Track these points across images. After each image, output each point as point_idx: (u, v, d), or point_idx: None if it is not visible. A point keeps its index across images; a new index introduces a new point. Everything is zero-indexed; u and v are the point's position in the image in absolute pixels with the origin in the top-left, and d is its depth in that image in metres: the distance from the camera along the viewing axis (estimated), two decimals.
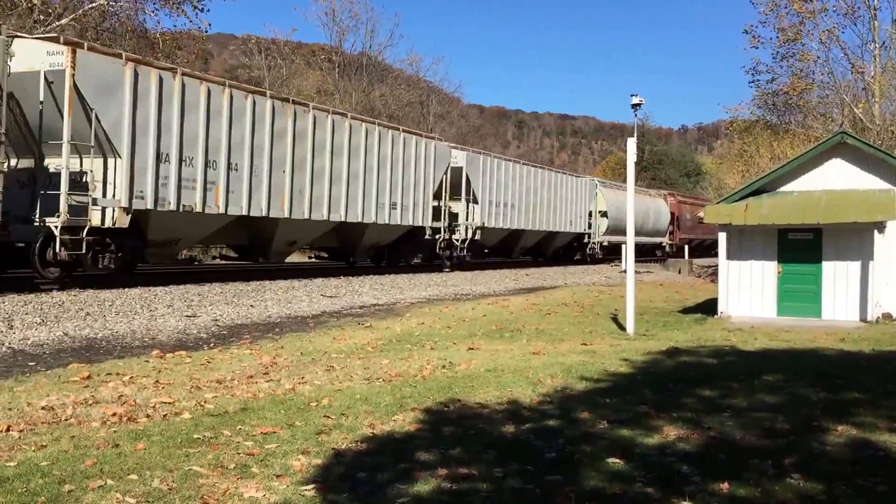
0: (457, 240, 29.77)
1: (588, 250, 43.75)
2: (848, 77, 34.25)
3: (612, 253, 45.16)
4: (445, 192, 28.46)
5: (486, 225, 31.14)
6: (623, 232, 40.88)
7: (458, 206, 29.96)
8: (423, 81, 61.60)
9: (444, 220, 28.59)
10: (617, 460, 5.31)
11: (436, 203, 28.04)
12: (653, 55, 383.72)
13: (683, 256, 52.43)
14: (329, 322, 14.13)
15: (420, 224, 26.64)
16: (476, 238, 31.07)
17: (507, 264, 35.88)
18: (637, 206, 41.38)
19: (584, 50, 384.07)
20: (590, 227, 43.47)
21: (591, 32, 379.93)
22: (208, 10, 38.78)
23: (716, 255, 46.10)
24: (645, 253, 51.02)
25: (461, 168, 29.96)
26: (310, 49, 59.22)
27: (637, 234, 41.32)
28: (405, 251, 27.99)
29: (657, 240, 53.18)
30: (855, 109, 33.14)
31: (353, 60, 55.31)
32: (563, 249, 42.66)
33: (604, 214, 43.68)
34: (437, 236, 28.45)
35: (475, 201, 30.82)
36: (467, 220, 30.52)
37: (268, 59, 52.88)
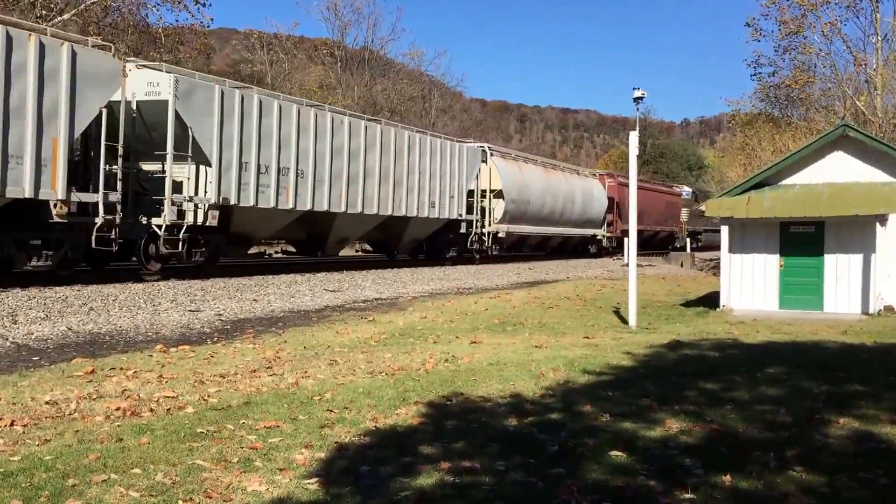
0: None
1: (469, 244, 31.80)
2: (850, 70, 34.23)
3: (514, 248, 36.89)
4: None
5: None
6: (533, 220, 35.60)
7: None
8: (426, 76, 61.56)
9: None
10: (619, 453, 5.32)
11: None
12: (655, 49, 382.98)
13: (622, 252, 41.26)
14: (332, 316, 14.15)
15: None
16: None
17: (513, 258, 35.75)
18: (557, 187, 37.98)
19: (586, 44, 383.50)
20: (471, 211, 31.50)
21: (594, 26, 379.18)
22: (210, 5, 38.72)
23: (675, 248, 43.21)
24: (570, 250, 43.45)
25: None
26: (312, 44, 59.18)
27: (554, 222, 37.89)
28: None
29: (587, 232, 43.91)
30: (857, 102, 33.09)
31: (356, 55, 55.25)
32: (428, 242, 30.66)
33: (499, 195, 32.53)
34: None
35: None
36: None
37: (270, 53, 52.83)
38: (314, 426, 5.91)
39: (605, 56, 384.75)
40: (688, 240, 55.68)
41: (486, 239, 32.45)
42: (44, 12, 26.04)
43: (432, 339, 11.35)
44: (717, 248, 49.19)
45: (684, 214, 59.33)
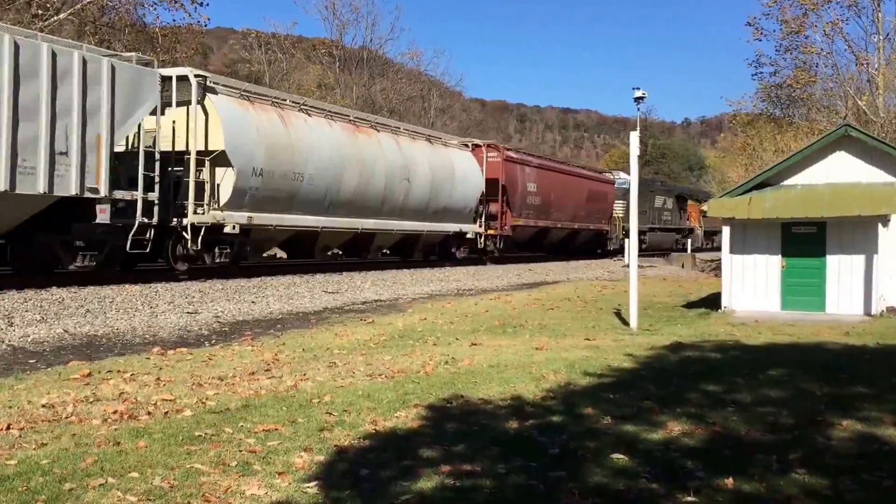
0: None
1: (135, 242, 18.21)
2: (852, 69, 34.17)
3: (293, 250, 24.86)
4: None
5: None
6: (283, 203, 20.58)
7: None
8: (425, 75, 61.47)
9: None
10: (621, 456, 5.29)
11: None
12: (655, 48, 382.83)
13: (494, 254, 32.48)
14: (331, 318, 14.10)
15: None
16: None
17: (513, 259, 35.64)
18: (373, 157, 23.84)
19: (586, 43, 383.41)
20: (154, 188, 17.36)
21: (594, 25, 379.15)
22: (207, 5, 38.67)
23: (608, 252, 40.97)
24: (427, 253, 29.93)
25: None
26: (310, 43, 59.11)
27: (369, 212, 23.94)
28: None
29: (449, 227, 29.25)
30: (859, 102, 33.03)
31: (354, 54, 55.17)
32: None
33: (219, 160, 18.91)
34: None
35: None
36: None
37: (268, 53, 52.78)
38: (313, 429, 5.87)
39: (606, 56, 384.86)
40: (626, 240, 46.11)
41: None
42: (39, 11, 25.98)
43: (432, 341, 11.31)
44: (668, 249, 45.54)
45: (619, 208, 46.42)
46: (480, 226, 31.40)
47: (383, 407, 6.64)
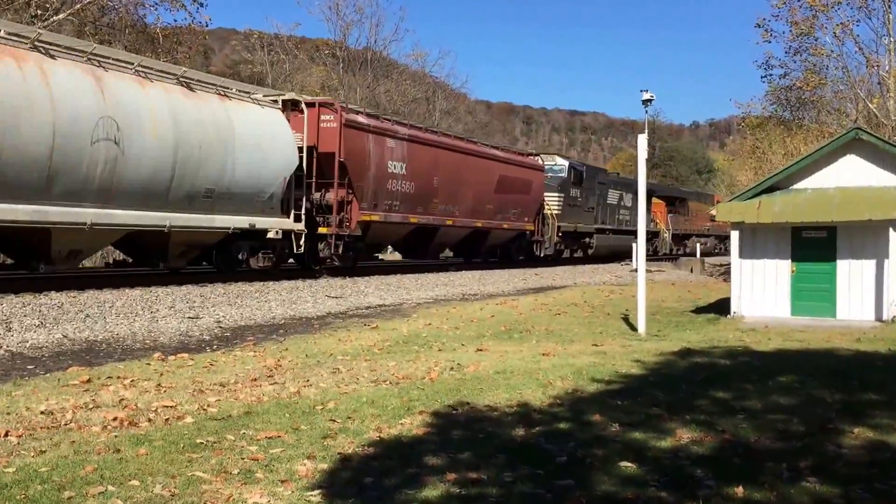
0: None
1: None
2: (862, 72, 33.92)
3: None
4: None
5: None
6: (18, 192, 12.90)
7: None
8: (429, 77, 61.35)
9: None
10: (629, 464, 5.20)
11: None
12: (663, 50, 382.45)
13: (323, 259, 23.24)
14: (334, 323, 14.02)
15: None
16: None
17: (518, 264, 35.41)
18: (71, 108, 14.20)
19: (593, 45, 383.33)
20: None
21: (601, 27, 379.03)
22: (206, 5, 38.58)
23: (534, 259, 35.65)
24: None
25: None
26: (313, 44, 59.04)
27: (65, 196, 14.20)
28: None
29: (226, 222, 19.03)
30: (869, 105, 32.83)
31: (358, 55, 55.06)
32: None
33: None
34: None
35: None
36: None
37: (270, 54, 52.74)
38: (317, 436, 5.80)
39: (614, 58, 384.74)
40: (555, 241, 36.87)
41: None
42: (39, 12, 25.98)
43: (437, 346, 11.22)
44: (626, 255, 43.06)
45: (554, 202, 36.17)
46: (298, 220, 21.49)
47: (388, 414, 6.57)
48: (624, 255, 43.82)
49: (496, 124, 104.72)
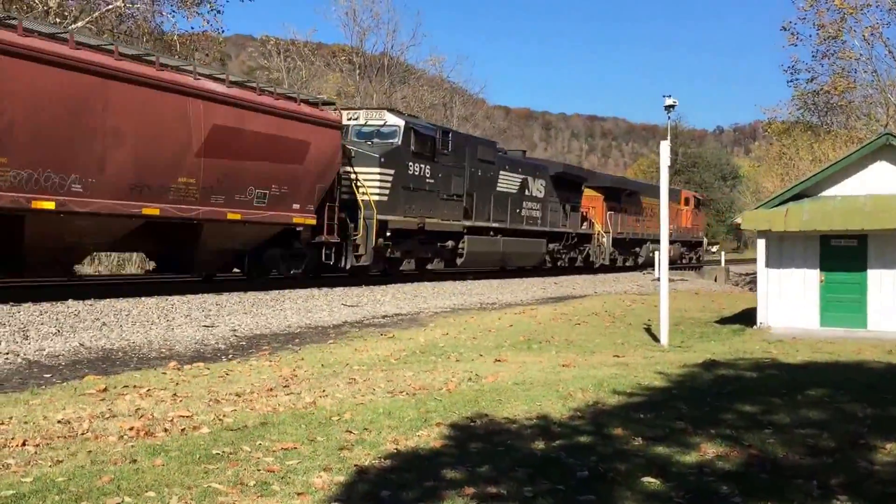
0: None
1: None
2: (892, 75, 33.42)
3: None
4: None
5: None
6: None
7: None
8: (447, 82, 61.19)
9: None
10: (653, 479, 5.07)
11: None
12: (686, 54, 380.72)
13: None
14: (350, 332, 13.94)
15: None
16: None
17: (537, 272, 35.08)
18: None
19: (614, 49, 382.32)
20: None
21: (622, 31, 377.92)
22: (222, 12, 38.74)
23: (312, 270, 24.16)
24: None
25: None
26: (330, 50, 59.04)
27: None
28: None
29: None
30: None
31: (375, 61, 54.97)
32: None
33: None
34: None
35: None
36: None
37: (287, 60, 52.85)
38: (333, 448, 5.72)
39: (635, 62, 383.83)
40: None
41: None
42: (57, 20, 26.24)
43: (455, 357, 11.11)
44: (537, 266, 33.82)
45: (375, 184, 22.45)
46: None
47: (405, 425, 6.47)
48: (533, 265, 33.28)
49: (515, 130, 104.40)
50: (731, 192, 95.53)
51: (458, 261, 27.21)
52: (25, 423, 6.34)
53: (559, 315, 18.27)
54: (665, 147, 14.19)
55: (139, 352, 10.95)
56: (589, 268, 38.22)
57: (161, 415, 6.71)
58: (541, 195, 32.53)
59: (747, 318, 17.42)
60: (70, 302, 13.78)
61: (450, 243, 26.37)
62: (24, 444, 5.65)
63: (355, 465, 5.28)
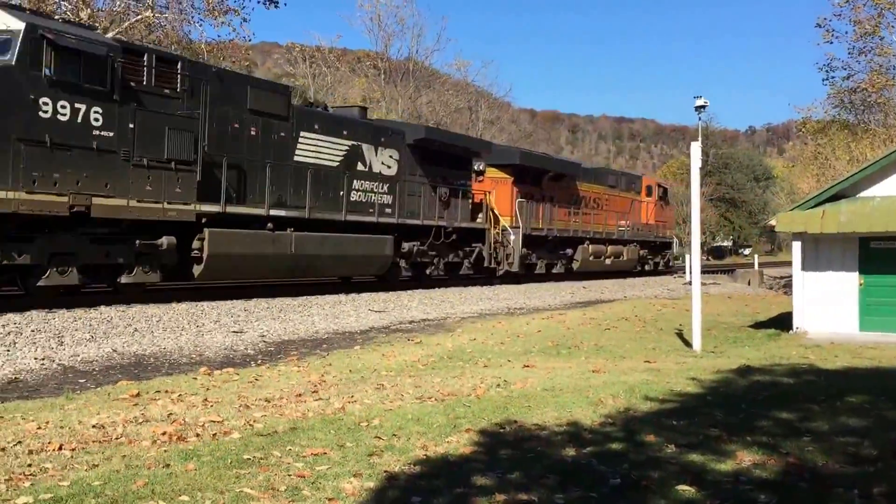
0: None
1: None
2: None
3: None
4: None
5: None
6: None
7: None
8: (472, 86, 61.07)
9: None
10: (687, 487, 4.98)
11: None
12: (717, 53, 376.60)
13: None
14: (378, 338, 13.95)
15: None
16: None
17: (565, 276, 34.53)
18: None
19: (642, 49, 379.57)
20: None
21: (650, 30, 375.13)
22: (248, 20, 38.94)
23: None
24: None
25: None
26: (355, 56, 59.37)
27: None
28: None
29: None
30: None
31: (399, 66, 55.12)
32: None
33: None
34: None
35: None
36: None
37: (312, 67, 53.12)
38: (362, 454, 5.70)
39: (664, 61, 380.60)
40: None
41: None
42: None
43: (483, 362, 11.06)
44: (380, 276, 21.10)
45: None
46: None
47: (434, 431, 6.43)
48: (378, 276, 23.03)
49: (541, 133, 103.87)
50: (765, 193, 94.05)
51: (195, 270, 16.72)
52: (61, 427, 6.40)
53: (588, 320, 18.13)
54: (696, 148, 14.02)
55: (170, 357, 11.05)
56: (486, 277, 27.63)
57: (192, 420, 6.74)
58: (390, 171, 22.29)
59: (783, 322, 17.15)
60: (102, 308, 13.94)
61: (164, 241, 15.81)
62: (60, 449, 5.71)
63: (385, 471, 5.26)
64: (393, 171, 22.57)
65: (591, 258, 34.10)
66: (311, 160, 19.59)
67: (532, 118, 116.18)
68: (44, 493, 4.65)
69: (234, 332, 13.31)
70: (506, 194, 28.78)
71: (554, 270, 32.50)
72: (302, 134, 19.30)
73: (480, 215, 26.99)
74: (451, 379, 9.30)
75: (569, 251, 33.19)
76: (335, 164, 20.37)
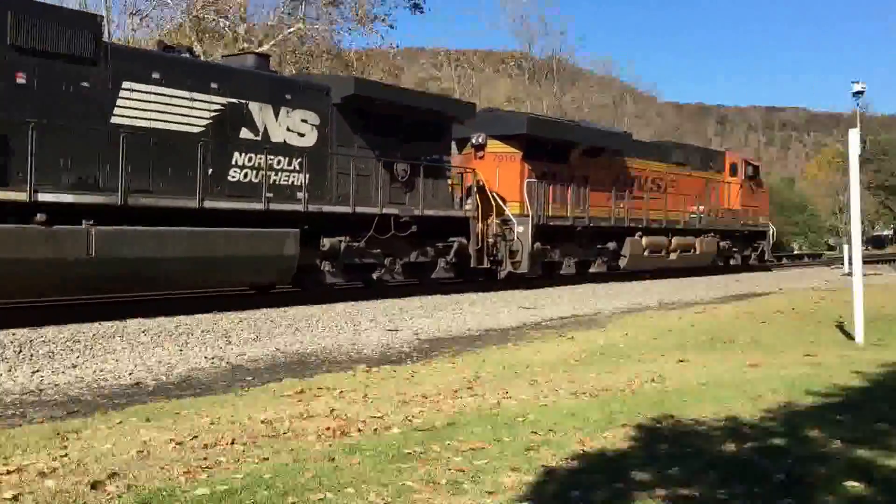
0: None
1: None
2: None
3: None
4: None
5: None
6: None
7: None
8: (617, 81, 60.33)
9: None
10: (855, 483, 4.81)
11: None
12: (872, 33, 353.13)
13: None
14: (529, 334, 14.05)
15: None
16: None
17: (719, 270, 33.24)
18: None
19: (790, 35, 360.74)
20: None
21: (797, 12, 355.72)
22: (395, 27, 39.91)
23: None
24: None
25: None
26: (499, 57, 59.89)
27: None
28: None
29: None
30: None
31: (543, 65, 55.13)
32: None
33: None
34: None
35: None
36: None
37: (457, 70, 53.85)
38: (519, 448, 5.80)
39: (813, 47, 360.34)
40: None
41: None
42: (245, 45, 28.05)
43: (636, 357, 10.94)
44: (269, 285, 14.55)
45: None
46: None
47: (590, 426, 6.45)
48: (266, 286, 17.11)
49: (688, 126, 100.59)
50: None
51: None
52: (233, 422, 6.80)
53: (742, 313, 17.52)
54: (854, 135, 13.32)
55: (330, 355, 11.53)
56: (467, 282, 21.02)
57: (354, 415, 7.02)
58: (304, 141, 16.41)
59: None
60: (265, 309, 14.71)
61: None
62: (232, 443, 6.06)
63: (542, 466, 5.32)
64: (309, 141, 16.44)
65: (645, 253, 26.97)
66: (145, 123, 13.70)
67: (678, 111, 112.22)
68: (219, 484, 4.91)
69: (389, 330, 13.73)
70: (513, 173, 22.13)
71: (591, 270, 25.29)
72: (126, 85, 13.46)
73: (469, 200, 20.45)
74: (605, 374, 9.28)
75: (610, 245, 25.94)
76: (197, 129, 14.43)
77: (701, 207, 30.49)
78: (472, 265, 20.24)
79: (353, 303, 16.65)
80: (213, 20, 28.65)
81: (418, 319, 15.09)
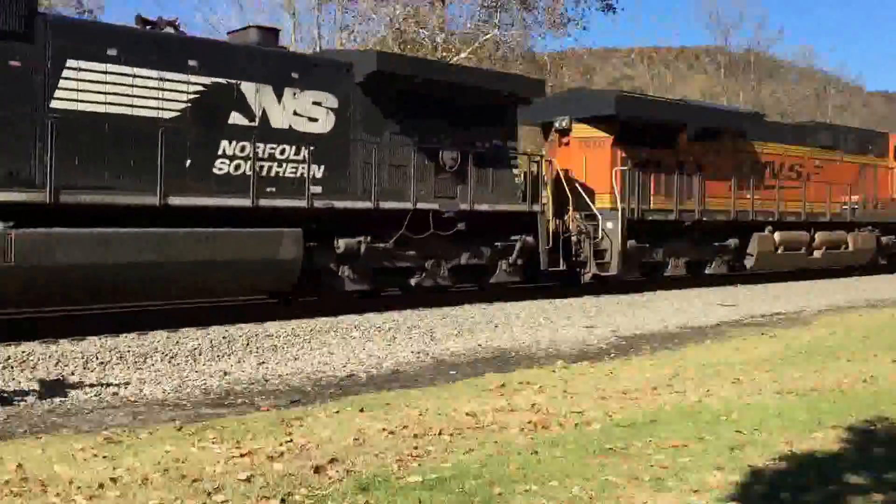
0: None
1: None
2: None
3: None
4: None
5: None
6: None
7: None
8: (819, 73, 56.90)
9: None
10: None
11: None
12: None
13: None
14: (728, 332, 13.63)
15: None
16: None
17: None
18: None
19: None
20: None
21: None
22: (587, 28, 39.93)
23: None
24: None
25: None
26: (692, 52, 58.14)
27: None
28: None
29: None
30: None
31: (739, 59, 52.99)
32: None
33: None
34: None
35: None
36: None
37: (650, 67, 52.91)
38: (723, 447, 5.75)
39: None
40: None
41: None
42: (444, 54, 28.95)
43: (845, 356, 10.37)
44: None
45: None
46: None
47: (797, 427, 6.28)
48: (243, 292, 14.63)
49: None
50: None
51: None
52: (439, 414, 7.14)
53: None
54: None
55: (528, 351, 11.75)
56: (538, 288, 17.96)
57: (555, 410, 7.19)
58: (318, 127, 13.80)
59: None
60: (466, 306, 15.03)
61: None
62: (440, 434, 6.37)
63: (748, 465, 5.27)
64: (324, 127, 13.84)
65: (777, 250, 22.57)
66: (97, 108, 11.53)
67: (887, 101, 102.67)
68: (430, 473, 5.18)
69: (585, 327, 13.76)
70: (602, 161, 18.87)
71: (707, 271, 21.24)
72: (71, 64, 11.31)
73: (544, 193, 17.61)
74: (812, 373, 8.95)
75: (730, 242, 21.66)
76: (170, 114, 12.20)
77: (855, 197, 25.82)
78: (541, 268, 16.99)
79: (550, 300, 16.67)
80: (415, 31, 29.78)
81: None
